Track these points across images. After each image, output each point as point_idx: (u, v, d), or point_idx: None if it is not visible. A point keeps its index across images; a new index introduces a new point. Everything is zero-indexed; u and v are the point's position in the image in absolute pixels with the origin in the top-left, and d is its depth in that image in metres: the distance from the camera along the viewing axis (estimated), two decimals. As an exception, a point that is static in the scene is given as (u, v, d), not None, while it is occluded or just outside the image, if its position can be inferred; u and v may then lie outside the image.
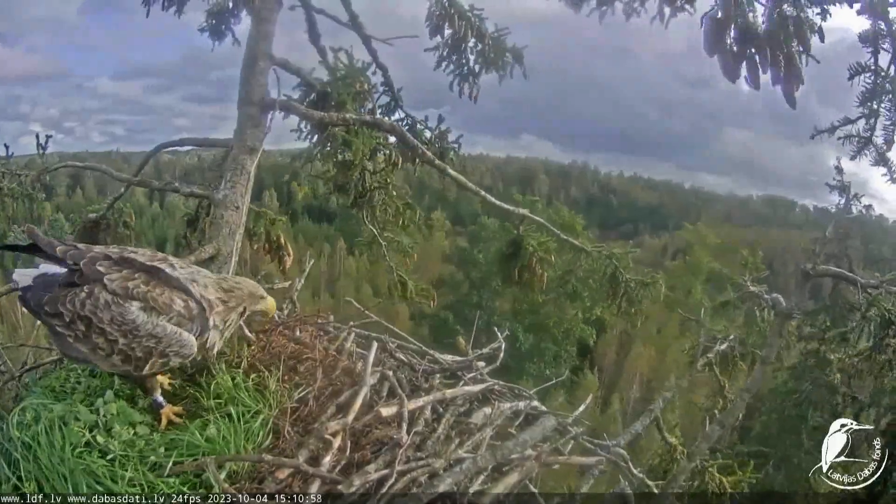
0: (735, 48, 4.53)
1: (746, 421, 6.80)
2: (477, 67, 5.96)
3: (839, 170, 4.91)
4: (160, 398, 3.31)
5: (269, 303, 3.48)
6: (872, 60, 4.38)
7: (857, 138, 4.61)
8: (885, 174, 4.65)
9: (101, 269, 3.11)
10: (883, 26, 4.27)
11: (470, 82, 6.01)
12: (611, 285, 6.24)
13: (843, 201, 4.91)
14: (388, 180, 6.11)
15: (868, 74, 4.45)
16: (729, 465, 5.56)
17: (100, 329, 3.07)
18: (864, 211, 4.97)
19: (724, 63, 4.58)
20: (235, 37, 6.27)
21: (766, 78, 4.53)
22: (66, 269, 3.17)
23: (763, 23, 4.43)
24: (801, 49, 4.41)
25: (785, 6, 4.40)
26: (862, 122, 4.60)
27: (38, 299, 3.15)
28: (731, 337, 6.05)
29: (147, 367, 3.13)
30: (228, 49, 6.29)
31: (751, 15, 4.46)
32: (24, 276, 3.25)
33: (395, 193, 6.21)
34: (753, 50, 4.47)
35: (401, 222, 6.30)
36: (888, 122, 4.48)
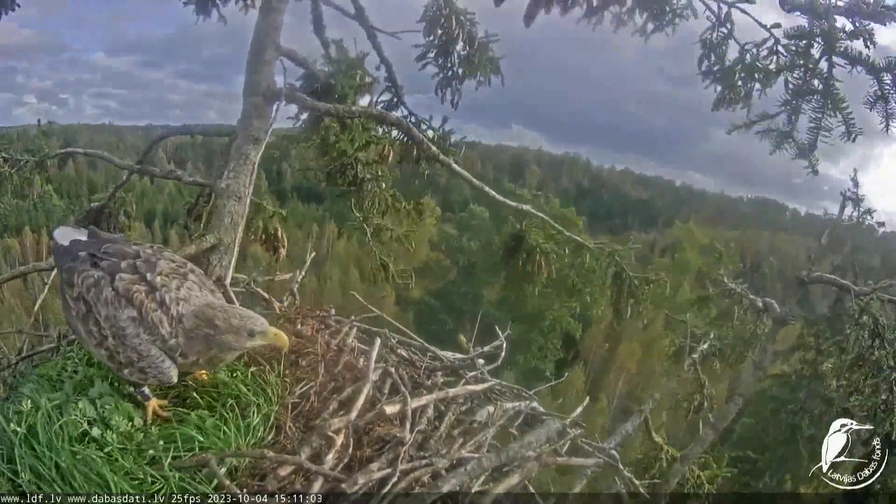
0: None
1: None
2: (461, 72, 5.89)
3: (855, 182, 4.92)
4: (146, 390, 3.21)
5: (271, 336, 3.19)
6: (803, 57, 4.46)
7: (775, 132, 4.68)
8: (807, 167, 4.73)
9: (122, 265, 3.09)
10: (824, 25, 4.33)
11: (453, 87, 5.95)
12: (615, 283, 6.28)
13: (855, 213, 4.92)
14: (380, 172, 6.09)
15: (799, 71, 4.51)
16: (705, 461, 5.64)
17: (96, 319, 3.05)
18: (875, 225, 5.00)
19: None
20: (221, 13, 6.03)
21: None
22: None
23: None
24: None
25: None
26: (783, 117, 4.67)
27: (63, 262, 3.18)
28: (712, 335, 6.12)
29: (126, 374, 3.08)
30: (220, 27, 6.15)
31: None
32: (65, 234, 3.28)
33: (384, 185, 6.21)
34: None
35: (387, 213, 6.36)
36: (811, 125, 4.51)
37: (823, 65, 4.35)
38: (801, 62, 4.41)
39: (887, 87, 4.21)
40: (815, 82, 4.39)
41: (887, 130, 4.27)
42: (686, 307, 6.84)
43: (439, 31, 5.73)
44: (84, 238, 3.27)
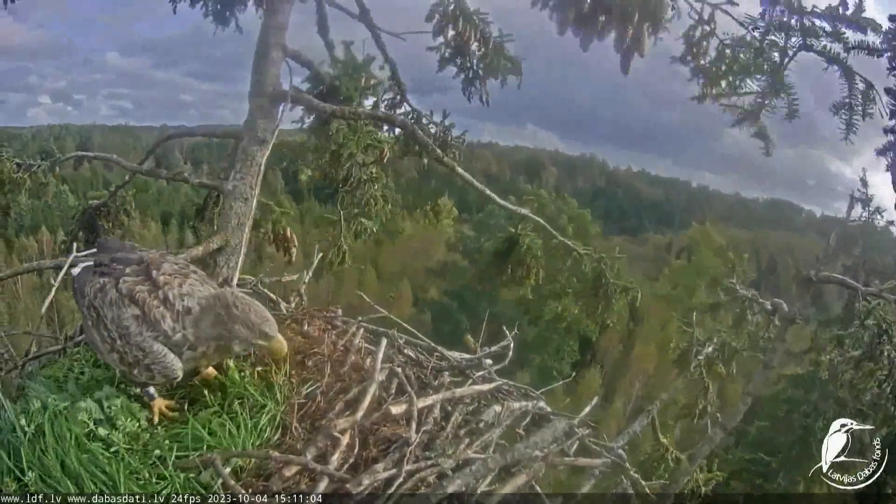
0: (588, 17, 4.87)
1: (740, 424, 6.84)
2: (481, 72, 5.87)
3: (864, 182, 4.87)
4: (152, 390, 3.25)
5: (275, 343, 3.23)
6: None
7: (739, 109, 4.84)
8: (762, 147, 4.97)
9: (127, 270, 3.17)
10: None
11: (477, 87, 5.93)
12: (594, 285, 6.43)
13: (864, 213, 4.88)
14: (375, 174, 6.15)
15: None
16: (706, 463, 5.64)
17: (104, 323, 3.12)
18: (887, 226, 4.94)
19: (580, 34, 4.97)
20: (238, 24, 6.03)
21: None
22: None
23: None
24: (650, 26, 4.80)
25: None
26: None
27: (79, 283, 3.28)
28: (715, 340, 6.15)
29: (136, 375, 3.12)
30: (231, 26, 6.18)
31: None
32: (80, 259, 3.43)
33: (377, 186, 6.26)
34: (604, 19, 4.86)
35: (376, 214, 6.44)
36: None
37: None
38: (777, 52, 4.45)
39: (856, 95, 4.22)
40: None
41: (846, 139, 4.27)
42: (702, 310, 6.86)
43: (452, 33, 5.70)
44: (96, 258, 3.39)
